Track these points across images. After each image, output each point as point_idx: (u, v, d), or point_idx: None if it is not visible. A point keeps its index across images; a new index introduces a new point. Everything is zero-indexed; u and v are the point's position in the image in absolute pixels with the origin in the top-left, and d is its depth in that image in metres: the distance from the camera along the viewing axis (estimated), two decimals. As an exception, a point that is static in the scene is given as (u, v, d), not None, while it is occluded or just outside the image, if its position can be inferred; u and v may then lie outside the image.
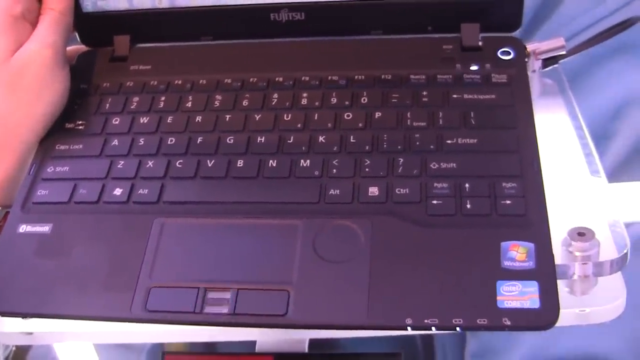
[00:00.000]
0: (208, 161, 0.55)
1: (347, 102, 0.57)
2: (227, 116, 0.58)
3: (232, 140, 0.56)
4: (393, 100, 0.57)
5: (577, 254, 0.49)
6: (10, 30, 0.59)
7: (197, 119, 0.58)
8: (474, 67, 0.58)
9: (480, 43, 0.60)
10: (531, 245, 0.47)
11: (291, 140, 0.55)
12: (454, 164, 0.52)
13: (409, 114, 0.56)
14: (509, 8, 0.60)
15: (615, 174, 0.70)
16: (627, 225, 0.52)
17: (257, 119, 0.57)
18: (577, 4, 0.81)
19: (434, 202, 0.50)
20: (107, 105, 0.60)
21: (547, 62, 0.62)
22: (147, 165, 0.55)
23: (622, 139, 0.74)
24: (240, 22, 0.63)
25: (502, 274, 0.46)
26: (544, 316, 0.44)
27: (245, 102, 0.59)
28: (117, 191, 0.54)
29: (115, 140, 0.57)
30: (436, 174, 0.51)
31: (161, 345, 0.80)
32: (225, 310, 0.47)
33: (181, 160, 0.55)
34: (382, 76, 0.59)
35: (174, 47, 0.65)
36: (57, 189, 0.55)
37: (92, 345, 0.85)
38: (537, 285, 0.45)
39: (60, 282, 0.50)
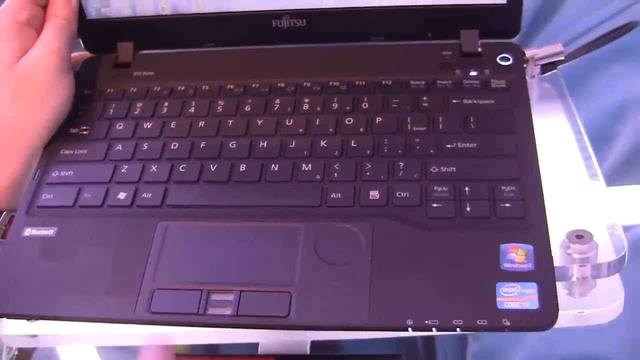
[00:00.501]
0: (211, 165, 0.55)
1: (348, 108, 0.58)
2: (230, 121, 0.58)
3: (234, 145, 0.56)
4: (393, 106, 0.57)
5: (576, 256, 0.49)
6: (16, 37, 0.59)
7: (200, 124, 0.58)
8: (473, 73, 0.59)
9: (479, 49, 0.61)
10: (530, 247, 0.47)
11: (293, 145, 0.56)
12: (454, 168, 0.52)
13: (409, 119, 0.56)
14: (507, 15, 0.60)
15: (615, 178, 0.71)
16: (626, 229, 0.52)
17: (259, 124, 0.58)
18: (576, 7, 0.81)
19: (434, 205, 0.51)
20: (111, 110, 0.61)
21: (545, 67, 0.63)
22: (151, 170, 0.56)
23: (622, 143, 0.74)
24: (242, 28, 0.63)
25: (502, 276, 0.46)
26: (543, 317, 0.45)
27: (247, 108, 0.59)
28: (121, 195, 0.55)
29: (119, 145, 0.58)
30: (436, 178, 0.52)
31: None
32: (228, 311, 0.47)
33: (184, 165, 0.56)
34: (383, 82, 0.59)
35: (177, 53, 0.65)
36: (61, 193, 0.56)
37: (95, 350, 0.86)
38: (536, 287, 0.46)
39: (64, 284, 0.50)
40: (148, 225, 0.52)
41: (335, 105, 0.58)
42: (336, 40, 0.63)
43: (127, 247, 0.52)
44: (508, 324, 0.45)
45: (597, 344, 0.69)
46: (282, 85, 0.60)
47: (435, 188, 0.51)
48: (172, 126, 0.59)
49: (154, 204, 0.54)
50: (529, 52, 0.61)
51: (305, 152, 0.55)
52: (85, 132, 0.60)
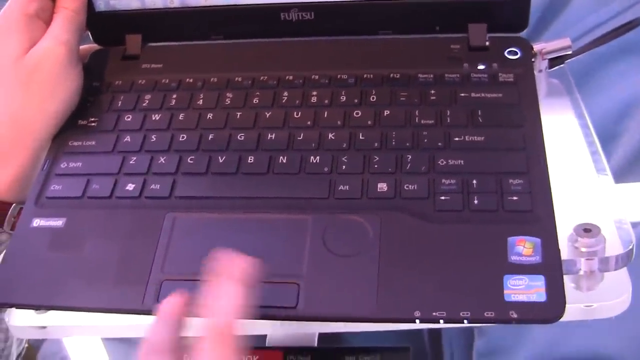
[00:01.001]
0: (219, 157, 0.55)
1: (356, 100, 0.58)
2: (238, 113, 0.58)
3: (242, 137, 0.57)
4: (401, 99, 0.57)
5: (583, 249, 0.49)
6: (25, 29, 0.59)
7: (208, 116, 0.59)
8: (481, 67, 0.59)
9: (487, 43, 0.60)
10: (538, 240, 0.47)
11: (301, 137, 0.56)
12: (462, 161, 0.52)
13: (417, 112, 0.56)
14: (516, 9, 0.60)
15: (623, 173, 0.71)
16: (634, 225, 0.52)
17: (267, 116, 0.58)
18: (584, 4, 0.81)
19: (442, 198, 0.51)
20: (119, 102, 0.61)
21: (553, 62, 0.63)
22: (159, 161, 0.56)
23: (629, 138, 0.74)
24: (250, 21, 0.63)
25: (509, 268, 0.46)
26: (551, 309, 0.45)
27: (255, 100, 0.59)
28: (130, 186, 0.55)
29: (128, 137, 0.58)
30: (444, 171, 0.52)
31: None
32: (235, 302, 0.48)
33: (192, 157, 0.56)
34: (391, 75, 0.59)
35: (185, 46, 0.65)
36: (70, 184, 0.56)
37: (101, 343, 0.86)
38: (543, 279, 0.46)
39: (73, 274, 0.51)
40: (156, 216, 0.53)
41: (343, 98, 0.58)
42: (344, 33, 0.63)
43: (135, 238, 0.52)
44: (515, 316, 0.45)
45: (603, 341, 0.69)
46: (291, 78, 0.60)
47: (443, 181, 0.51)
48: (180, 118, 0.59)
49: (162, 196, 0.54)
50: (536, 46, 0.61)
51: (313, 145, 0.55)
52: (93, 124, 0.60)
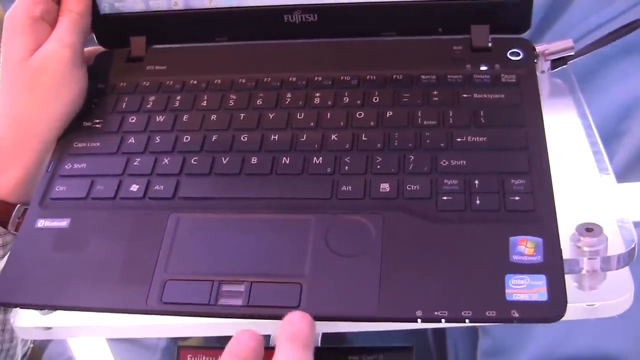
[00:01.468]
0: (222, 158, 0.56)
1: (359, 102, 0.58)
2: (242, 115, 0.59)
3: (246, 138, 0.57)
4: (404, 100, 0.58)
5: (585, 249, 0.49)
6: (30, 31, 0.60)
7: (212, 117, 0.59)
8: (483, 68, 0.59)
9: (489, 44, 0.61)
10: (539, 239, 0.48)
11: (304, 138, 0.56)
12: (464, 161, 0.53)
13: (419, 113, 0.56)
14: (518, 10, 0.60)
15: (625, 173, 0.71)
16: (636, 225, 0.52)
17: (270, 117, 0.58)
18: (586, 5, 0.81)
19: (444, 198, 0.51)
20: (124, 104, 0.61)
21: (556, 62, 0.63)
22: (163, 162, 0.56)
23: (632, 138, 0.74)
24: (254, 23, 0.64)
25: (511, 268, 0.47)
26: (552, 309, 0.45)
27: (259, 101, 0.60)
28: (134, 187, 0.55)
29: (132, 138, 0.58)
30: (446, 171, 0.52)
31: (175, 342, 0.81)
32: (239, 302, 0.48)
33: (196, 158, 0.56)
34: (394, 76, 0.60)
35: (189, 47, 0.66)
36: (74, 185, 0.56)
37: (107, 344, 0.86)
38: (545, 279, 0.46)
39: (77, 275, 0.51)
40: (160, 217, 0.53)
41: (346, 100, 0.58)
42: (347, 35, 0.63)
43: (139, 238, 0.52)
44: (517, 315, 0.45)
45: (606, 341, 0.69)
46: (294, 79, 0.61)
47: (445, 181, 0.52)
48: (184, 119, 0.59)
49: (166, 196, 0.54)
50: (539, 47, 0.61)
51: (316, 146, 0.55)
52: (98, 125, 0.60)
